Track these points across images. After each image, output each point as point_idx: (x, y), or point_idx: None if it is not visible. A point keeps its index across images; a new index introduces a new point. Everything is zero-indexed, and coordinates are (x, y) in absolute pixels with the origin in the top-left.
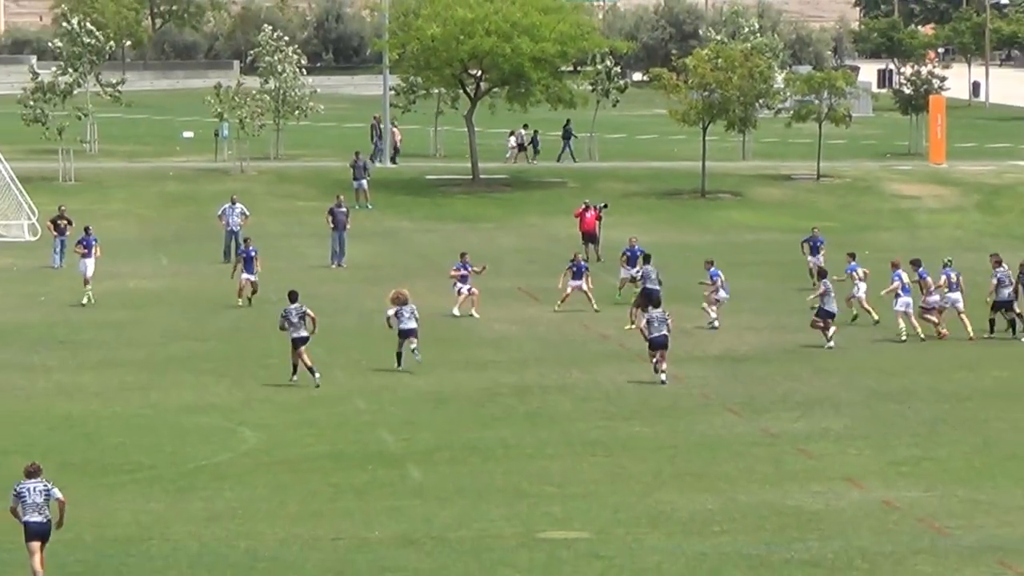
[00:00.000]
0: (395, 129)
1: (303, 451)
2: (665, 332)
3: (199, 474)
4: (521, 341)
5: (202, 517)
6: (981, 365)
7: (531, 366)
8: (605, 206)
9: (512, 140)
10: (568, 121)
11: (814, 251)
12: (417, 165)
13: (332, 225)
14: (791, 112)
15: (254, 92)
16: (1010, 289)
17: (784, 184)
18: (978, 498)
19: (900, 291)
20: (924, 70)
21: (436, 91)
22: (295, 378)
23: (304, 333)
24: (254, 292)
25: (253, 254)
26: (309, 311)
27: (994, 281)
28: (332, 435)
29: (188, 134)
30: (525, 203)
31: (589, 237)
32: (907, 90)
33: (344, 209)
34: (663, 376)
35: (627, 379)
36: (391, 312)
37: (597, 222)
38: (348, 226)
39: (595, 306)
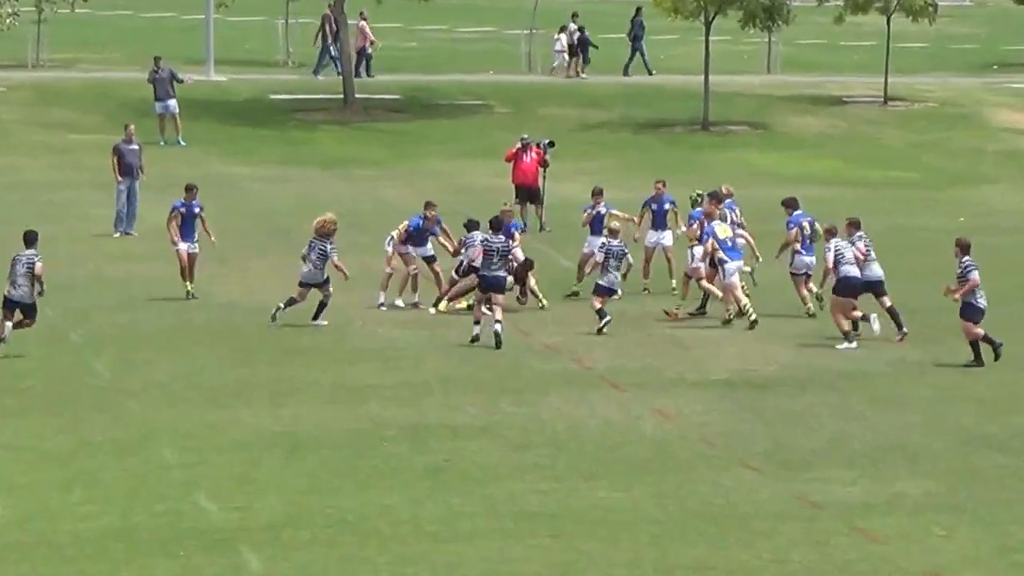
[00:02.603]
0: (363, 24)
1: (77, 527)
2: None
3: None
4: (419, 354)
5: None
6: None
7: (435, 394)
8: (551, 144)
9: (561, 40)
10: (639, 10)
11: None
12: (257, 79)
13: (118, 172)
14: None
15: None
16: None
17: (831, 111)
18: None
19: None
20: None
21: None
22: None
23: (20, 292)
24: None
25: None
26: (39, 263)
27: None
28: (124, 501)
29: None
30: (425, 138)
31: (527, 192)
32: None
33: (136, 146)
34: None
35: (587, 414)
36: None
37: (540, 168)
38: (143, 173)
39: (542, 301)
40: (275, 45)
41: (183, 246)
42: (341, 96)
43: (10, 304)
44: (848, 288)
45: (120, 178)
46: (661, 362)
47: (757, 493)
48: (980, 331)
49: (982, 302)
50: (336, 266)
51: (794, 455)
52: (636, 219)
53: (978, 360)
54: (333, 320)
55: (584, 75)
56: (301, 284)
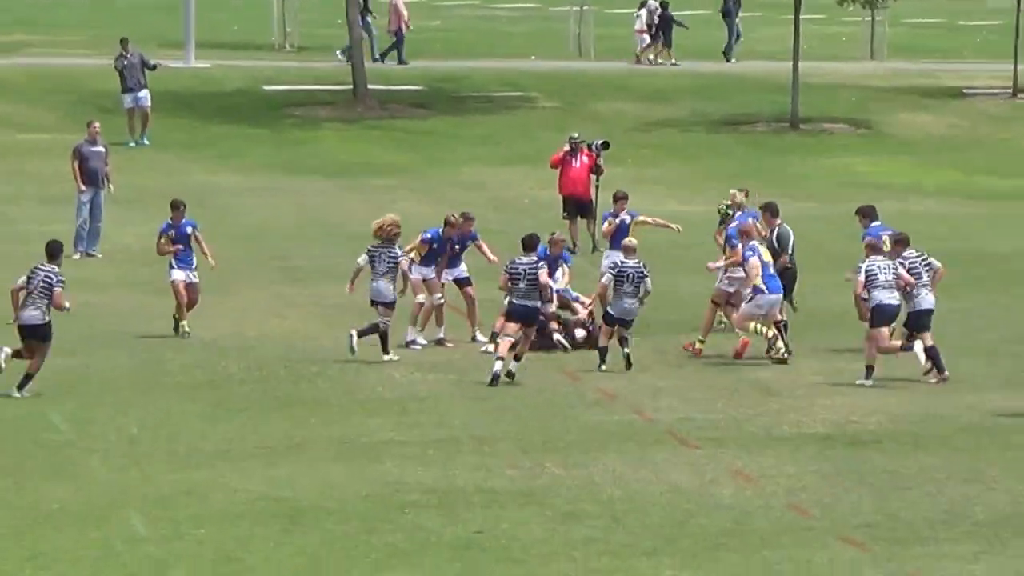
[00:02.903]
0: (398, 1)
1: None
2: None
3: None
4: (446, 403)
5: None
6: None
7: (466, 452)
8: (605, 145)
9: (641, 17)
10: None
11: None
12: (246, 66)
13: (81, 180)
14: None
15: None
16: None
17: (949, 106)
18: None
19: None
20: None
21: None
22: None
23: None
24: None
25: None
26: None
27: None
28: None
29: None
30: (454, 139)
31: (576, 203)
32: None
33: (101, 148)
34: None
35: (651, 477)
36: (362, 259)
37: (591, 176)
38: (110, 183)
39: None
40: (268, 25)
41: (178, 275)
42: (350, 87)
43: (26, 330)
44: (883, 316)
45: (83, 187)
46: (741, 412)
47: (860, 573)
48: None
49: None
50: (405, 274)
51: (905, 526)
52: (674, 225)
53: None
54: (340, 365)
55: (669, 61)
56: (374, 303)
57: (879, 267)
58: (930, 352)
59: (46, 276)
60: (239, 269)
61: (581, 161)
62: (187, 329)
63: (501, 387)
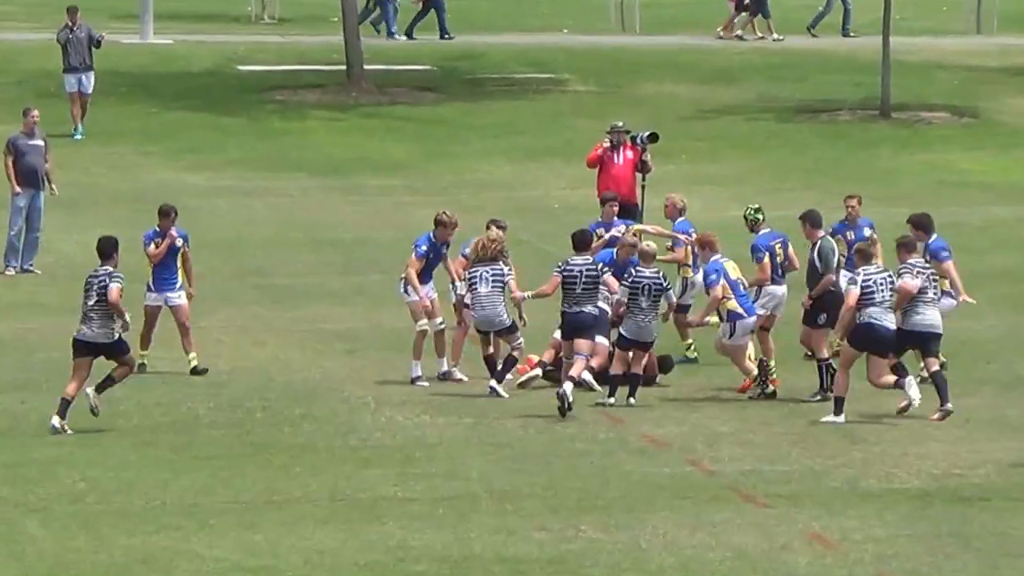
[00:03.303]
0: None
1: None
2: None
3: None
4: (459, 451)
5: None
6: None
7: (484, 510)
8: (652, 138)
9: None
10: None
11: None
12: (217, 42)
13: (16, 180)
14: None
15: None
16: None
17: None
18: None
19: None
20: None
21: None
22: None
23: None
24: None
25: None
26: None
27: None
28: None
29: None
30: (469, 129)
31: (620, 208)
32: None
33: (40, 142)
34: None
35: (709, 542)
36: (461, 286)
37: (637, 174)
38: (51, 183)
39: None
40: None
41: (151, 300)
42: (343, 67)
43: (80, 346)
44: (868, 339)
45: (18, 189)
46: (819, 463)
47: None
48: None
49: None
50: (515, 298)
51: None
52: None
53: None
54: (330, 403)
55: (771, 36)
56: (485, 333)
57: (875, 281)
58: (936, 377)
59: (100, 281)
60: (208, 287)
61: (624, 157)
62: (194, 365)
63: (528, 432)
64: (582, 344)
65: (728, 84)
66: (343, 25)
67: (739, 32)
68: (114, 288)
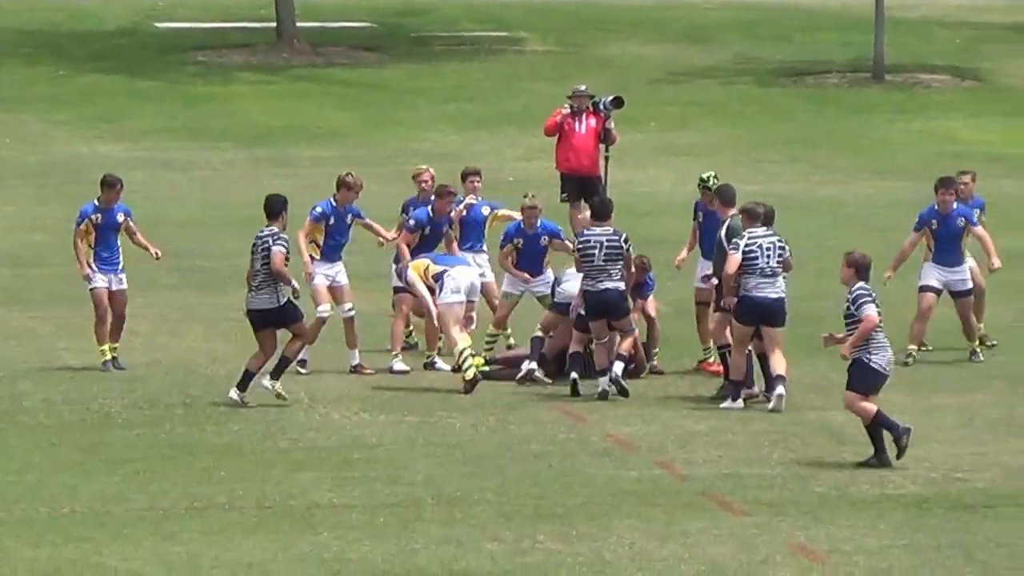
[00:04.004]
0: None
1: None
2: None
3: None
4: (403, 453)
5: None
6: None
7: (429, 518)
8: (617, 103)
9: None
10: None
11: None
12: None
13: None
14: None
15: None
16: None
17: None
18: None
19: None
20: None
21: None
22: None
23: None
24: None
25: None
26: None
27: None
28: None
29: None
30: (415, 94)
31: (579, 181)
32: None
33: None
34: None
35: (681, 553)
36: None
37: (599, 145)
38: None
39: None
40: None
41: (99, 281)
42: (273, 24)
43: (255, 317)
44: (753, 311)
45: None
46: (805, 467)
47: None
48: (872, 407)
49: (881, 358)
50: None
51: None
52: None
53: (879, 455)
54: (259, 400)
55: None
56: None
57: (761, 246)
58: (764, 360)
59: (264, 243)
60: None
61: (587, 125)
62: (111, 356)
63: (479, 432)
64: (622, 322)
65: (702, 44)
66: None
67: None
68: (277, 253)
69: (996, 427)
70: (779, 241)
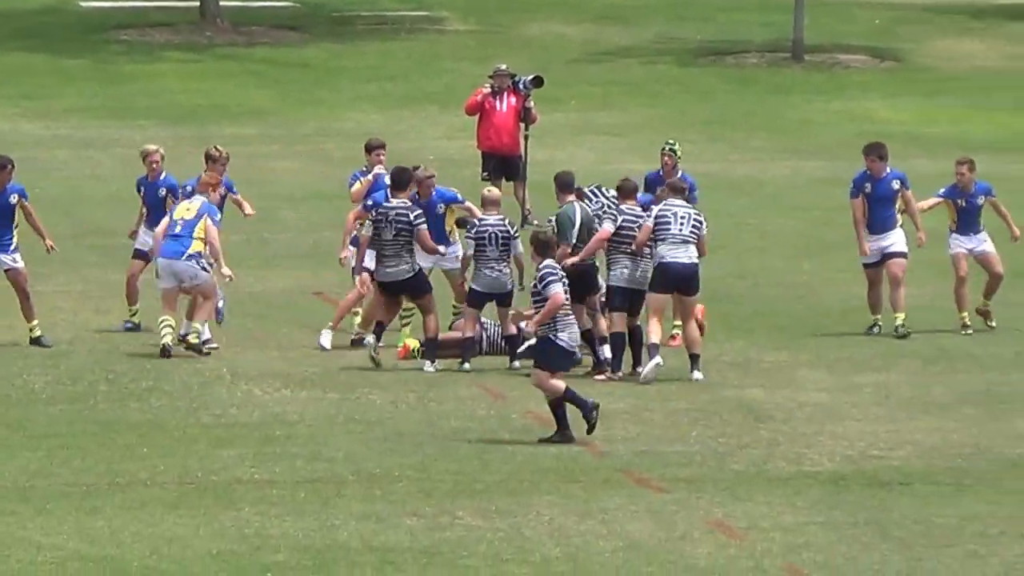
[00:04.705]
0: None
1: None
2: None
3: None
4: (324, 430)
5: None
6: None
7: (350, 495)
8: (536, 82)
9: None
10: None
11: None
12: None
13: None
14: None
15: None
16: None
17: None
18: None
19: None
20: None
21: None
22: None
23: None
24: None
25: None
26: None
27: None
28: None
29: None
30: (337, 73)
31: (500, 161)
32: None
33: None
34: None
35: (599, 530)
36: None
37: (520, 124)
38: None
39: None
40: None
41: None
42: (195, 3)
43: (384, 287)
44: (667, 279)
45: None
46: (723, 444)
47: None
48: (561, 385)
49: (568, 335)
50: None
51: None
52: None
53: (562, 431)
54: (181, 376)
55: None
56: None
57: (675, 214)
58: (632, 336)
59: (399, 213)
60: (43, 249)
61: (508, 104)
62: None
63: (399, 409)
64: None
65: (623, 24)
66: None
67: None
68: (422, 229)
69: (910, 405)
70: (696, 214)
